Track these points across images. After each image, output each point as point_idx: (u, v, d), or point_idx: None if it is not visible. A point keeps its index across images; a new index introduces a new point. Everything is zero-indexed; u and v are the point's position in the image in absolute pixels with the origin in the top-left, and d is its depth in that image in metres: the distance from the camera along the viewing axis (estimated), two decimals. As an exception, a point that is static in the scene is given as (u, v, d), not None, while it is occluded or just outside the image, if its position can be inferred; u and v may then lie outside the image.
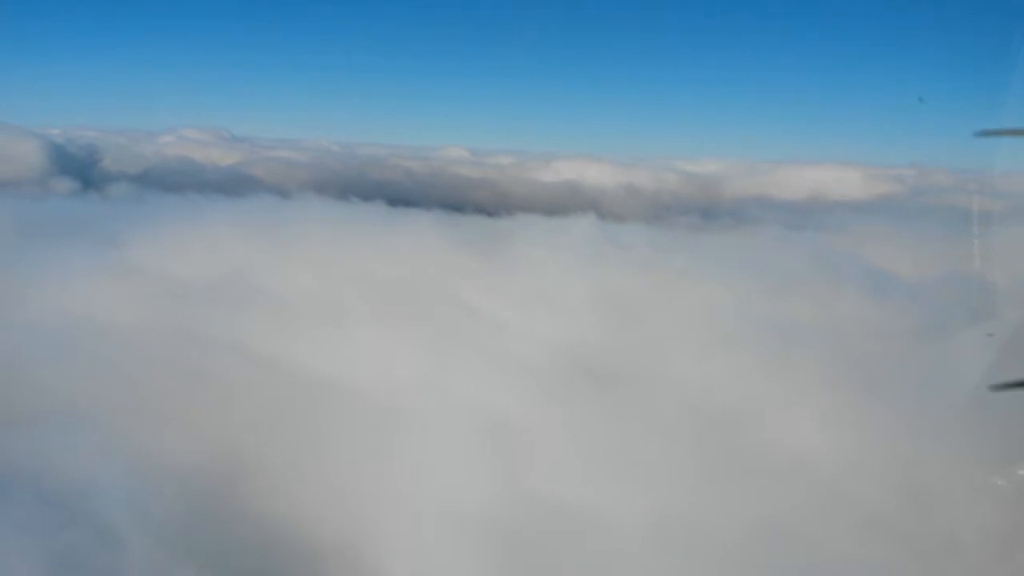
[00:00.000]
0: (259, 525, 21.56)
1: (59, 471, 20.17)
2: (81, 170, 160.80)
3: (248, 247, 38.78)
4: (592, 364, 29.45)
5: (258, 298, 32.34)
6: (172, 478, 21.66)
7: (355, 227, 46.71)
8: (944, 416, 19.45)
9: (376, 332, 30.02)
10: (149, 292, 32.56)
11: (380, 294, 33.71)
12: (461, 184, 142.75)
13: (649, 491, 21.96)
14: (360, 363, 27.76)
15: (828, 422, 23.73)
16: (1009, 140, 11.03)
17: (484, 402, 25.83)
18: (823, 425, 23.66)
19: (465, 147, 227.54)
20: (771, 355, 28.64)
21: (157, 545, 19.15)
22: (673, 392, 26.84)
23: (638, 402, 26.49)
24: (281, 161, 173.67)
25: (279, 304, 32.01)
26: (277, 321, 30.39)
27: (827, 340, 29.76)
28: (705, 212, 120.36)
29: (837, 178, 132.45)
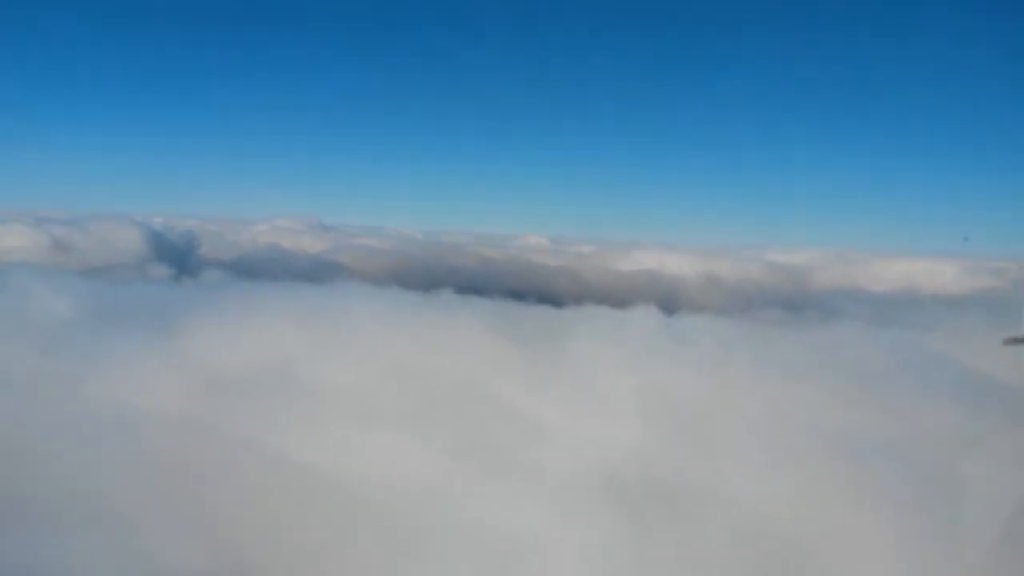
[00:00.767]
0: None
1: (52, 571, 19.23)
2: (178, 257, 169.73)
3: (300, 337, 38.38)
4: (634, 479, 26.83)
5: (294, 392, 31.52)
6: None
7: (410, 316, 45.91)
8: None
9: (403, 433, 28.50)
10: (192, 383, 32.24)
11: (418, 390, 32.35)
12: (536, 272, 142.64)
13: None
14: (380, 467, 26.22)
15: (903, 559, 20.52)
16: None
17: (506, 520, 23.70)
18: (896, 562, 20.47)
19: (547, 236, 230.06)
20: (842, 474, 25.45)
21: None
22: (724, 516, 23.99)
23: (682, 526, 23.75)
24: (365, 249, 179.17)
25: (312, 399, 31.08)
26: (304, 418, 29.38)
27: (909, 457, 26.36)
28: (790, 304, 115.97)
29: (931, 270, 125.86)
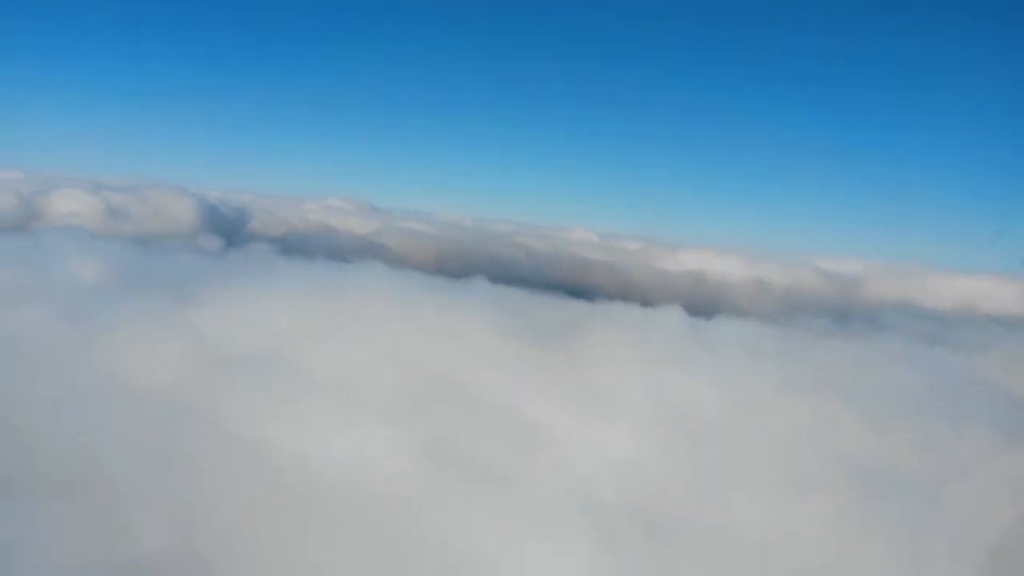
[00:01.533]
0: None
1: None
2: (228, 230, 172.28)
3: (308, 318, 37.36)
4: (621, 503, 24.81)
5: (285, 375, 30.48)
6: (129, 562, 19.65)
7: (429, 304, 44.56)
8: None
9: (385, 427, 27.14)
10: (188, 358, 31.47)
11: (412, 382, 30.98)
12: (578, 266, 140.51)
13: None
14: (353, 462, 24.92)
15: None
16: None
17: (469, 535, 22.14)
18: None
19: (596, 229, 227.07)
20: (856, 509, 23.17)
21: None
22: (718, 551, 22.06)
23: (681, 557, 21.87)
24: (410, 232, 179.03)
25: (302, 384, 29.99)
26: (289, 403, 28.33)
27: (937, 495, 24.01)
28: (839, 315, 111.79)
29: (990, 290, 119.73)
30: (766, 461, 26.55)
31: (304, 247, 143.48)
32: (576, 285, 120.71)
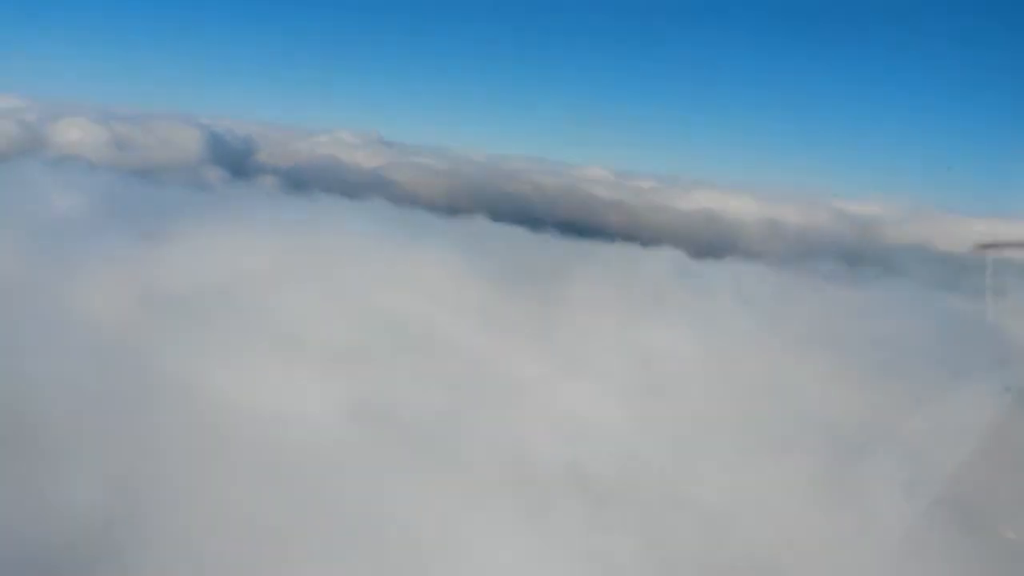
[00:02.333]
0: None
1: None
2: (234, 161, 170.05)
3: (276, 255, 35.66)
4: (590, 465, 22.99)
5: (240, 316, 28.92)
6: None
7: (415, 242, 42.60)
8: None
9: (331, 378, 25.48)
10: (146, 296, 29.99)
11: (374, 329, 29.24)
12: (587, 204, 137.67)
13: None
14: (291, 412, 23.39)
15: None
16: None
17: (409, 505, 20.44)
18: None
19: (612, 168, 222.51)
20: (836, 470, 21.25)
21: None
22: (684, 519, 20.36)
23: (624, 525, 20.20)
24: (420, 168, 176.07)
25: (254, 326, 28.40)
26: (236, 345, 26.78)
27: (920, 456, 22.08)
28: (852, 258, 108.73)
29: (1015, 234, 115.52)
30: (733, 420, 24.57)
31: (310, 180, 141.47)
32: (585, 224, 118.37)
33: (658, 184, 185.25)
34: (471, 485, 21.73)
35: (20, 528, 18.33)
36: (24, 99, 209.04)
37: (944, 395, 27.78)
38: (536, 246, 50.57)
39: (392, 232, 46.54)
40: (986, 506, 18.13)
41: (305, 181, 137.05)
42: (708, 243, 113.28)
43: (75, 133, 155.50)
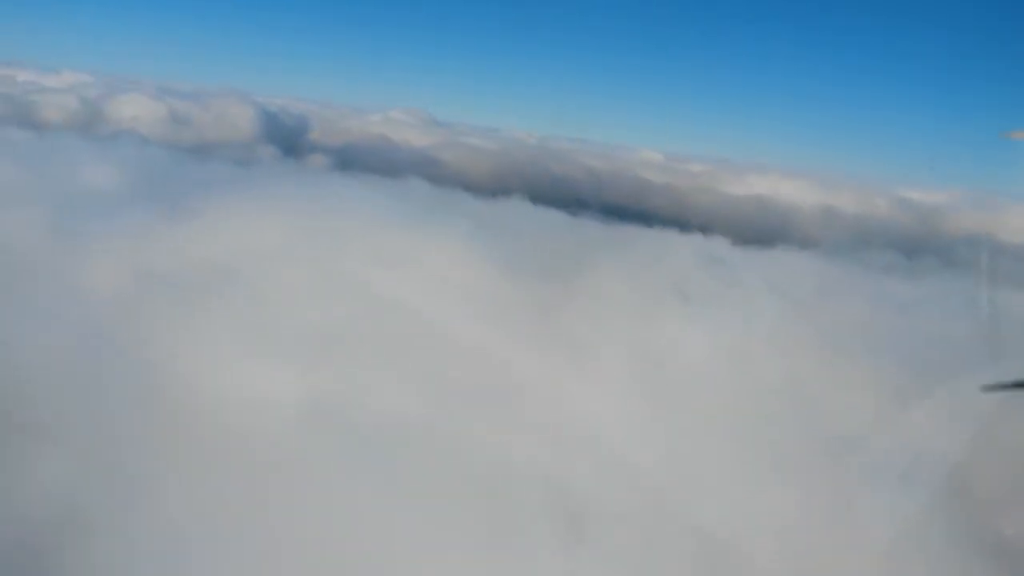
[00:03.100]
0: None
1: None
2: (287, 139, 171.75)
3: (293, 239, 34.77)
4: (576, 482, 20.94)
5: (230, 295, 27.97)
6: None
7: (445, 228, 41.07)
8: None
9: (309, 367, 24.24)
10: (145, 276, 29.41)
11: (372, 313, 27.89)
12: (636, 188, 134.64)
13: None
14: (259, 401, 22.30)
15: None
16: None
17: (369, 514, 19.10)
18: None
19: (664, 151, 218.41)
20: (841, 497, 18.85)
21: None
22: (677, 551, 18.45)
23: (615, 557, 18.29)
24: (469, 148, 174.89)
25: (241, 305, 27.35)
26: (219, 326, 25.83)
27: (947, 482, 19.50)
28: (912, 249, 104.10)
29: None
30: (745, 434, 22.24)
31: (359, 159, 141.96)
32: (630, 207, 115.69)
33: (712, 167, 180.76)
34: (429, 496, 20.09)
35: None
36: (89, 75, 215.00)
37: (1002, 413, 24.78)
38: (569, 230, 48.76)
39: (415, 213, 45.31)
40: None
41: (354, 160, 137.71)
42: (758, 230, 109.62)
43: (133, 109, 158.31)
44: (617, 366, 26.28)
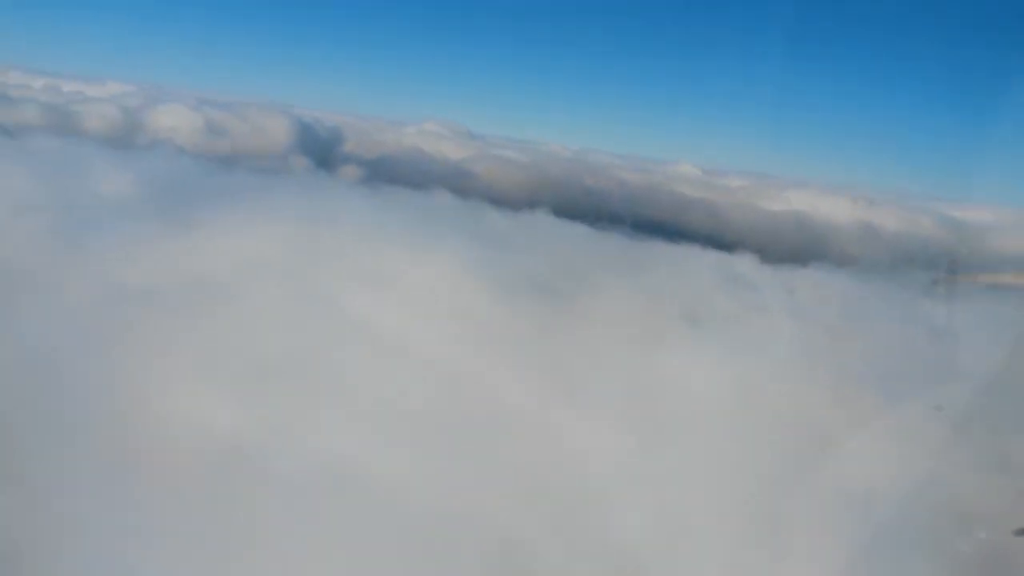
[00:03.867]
0: None
1: None
2: (321, 150, 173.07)
3: (296, 253, 33.67)
4: (537, 550, 18.70)
5: (202, 312, 26.77)
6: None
7: (461, 244, 39.51)
8: None
9: (264, 390, 22.77)
10: (139, 289, 28.45)
11: (338, 335, 26.12)
12: (670, 202, 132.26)
13: None
14: (205, 427, 20.97)
15: None
16: None
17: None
18: None
19: (702, 165, 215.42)
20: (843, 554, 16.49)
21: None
22: None
23: None
24: (503, 161, 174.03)
25: (209, 324, 26.06)
26: (181, 344, 24.56)
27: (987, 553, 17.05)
28: (955, 268, 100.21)
29: None
30: (740, 488, 19.72)
31: (391, 171, 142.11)
32: (663, 223, 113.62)
33: (750, 182, 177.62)
34: (355, 550, 18.13)
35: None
36: (133, 85, 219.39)
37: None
38: (589, 245, 47.04)
39: (421, 228, 43.93)
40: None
41: (387, 172, 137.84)
42: (794, 247, 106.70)
43: (171, 119, 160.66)
44: (604, 401, 23.78)
